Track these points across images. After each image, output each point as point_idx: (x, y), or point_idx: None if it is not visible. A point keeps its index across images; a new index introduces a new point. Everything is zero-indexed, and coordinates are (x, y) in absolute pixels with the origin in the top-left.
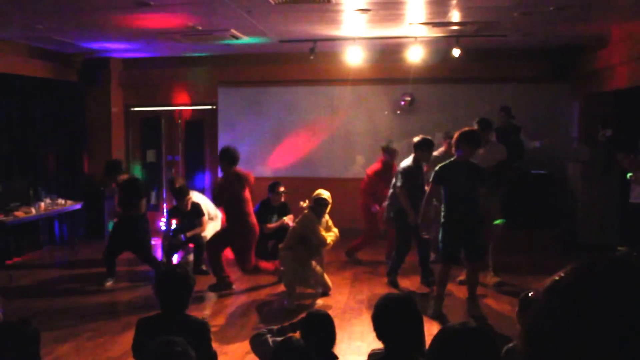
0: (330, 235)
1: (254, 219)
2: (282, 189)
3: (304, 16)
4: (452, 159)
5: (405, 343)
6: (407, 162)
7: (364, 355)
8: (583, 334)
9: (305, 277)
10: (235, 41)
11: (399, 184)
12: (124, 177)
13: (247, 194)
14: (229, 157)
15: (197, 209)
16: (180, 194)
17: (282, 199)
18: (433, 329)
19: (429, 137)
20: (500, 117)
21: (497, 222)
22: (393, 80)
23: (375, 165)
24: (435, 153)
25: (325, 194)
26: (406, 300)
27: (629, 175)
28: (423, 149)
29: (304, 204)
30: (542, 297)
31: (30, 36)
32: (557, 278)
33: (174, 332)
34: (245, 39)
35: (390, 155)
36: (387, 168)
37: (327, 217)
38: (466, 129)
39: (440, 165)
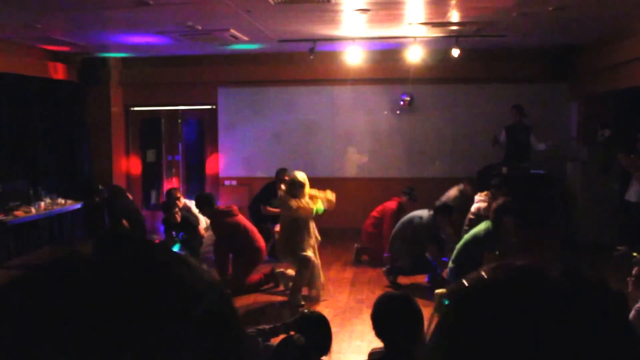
0: (317, 202)
1: (259, 241)
2: (288, 177)
3: (303, 16)
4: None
5: (405, 341)
6: (425, 216)
7: (364, 355)
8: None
9: (314, 278)
10: (236, 46)
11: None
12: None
13: (240, 219)
14: (206, 201)
15: (187, 221)
16: (165, 208)
17: None
18: None
19: (449, 204)
20: (511, 115)
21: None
22: (392, 80)
23: (391, 205)
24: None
25: (299, 175)
26: (404, 299)
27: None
28: (444, 214)
29: (283, 187)
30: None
31: (30, 36)
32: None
33: None
34: (246, 39)
35: (411, 201)
36: (401, 211)
37: (310, 192)
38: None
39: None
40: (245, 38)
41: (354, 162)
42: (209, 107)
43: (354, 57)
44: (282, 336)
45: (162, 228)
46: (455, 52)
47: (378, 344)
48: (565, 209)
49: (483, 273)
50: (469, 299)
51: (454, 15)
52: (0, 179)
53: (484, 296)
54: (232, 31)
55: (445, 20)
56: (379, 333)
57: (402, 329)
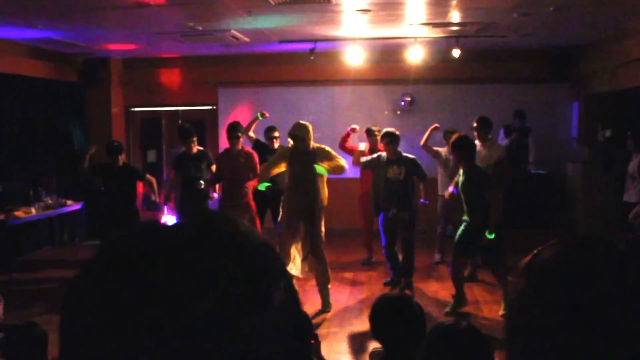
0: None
1: None
2: (276, 133)
3: (304, 16)
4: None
5: (403, 343)
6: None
7: (364, 355)
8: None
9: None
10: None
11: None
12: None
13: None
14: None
15: (205, 154)
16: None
17: (276, 145)
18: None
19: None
20: (514, 121)
21: (489, 236)
22: (393, 80)
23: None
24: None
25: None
26: (403, 300)
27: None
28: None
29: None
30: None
31: (30, 36)
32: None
33: None
34: (246, 40)
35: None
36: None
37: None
38: (455, 136)
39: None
40: (246, 39)
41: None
42: (209, 107)
43: (354, 58)
44: None
45: None
46: (456, 53)
47: (378, 344)
48: (566, 209)
49: (550, 248)
50: (545, 274)
51: (455, 16)
52: (0, 179)
53: (560, 271)
54: (233, 32)
55: (445, 20)
56: (377, 334)
57: (400, 330)
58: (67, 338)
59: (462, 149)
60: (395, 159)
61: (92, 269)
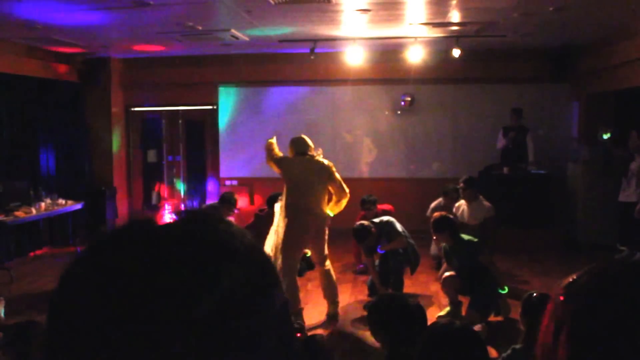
0: None
1: None
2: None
3: (304, 16)
4: None
5: (401, 342)
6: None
7: (365, 355)
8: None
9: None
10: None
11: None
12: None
13: None
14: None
15: None
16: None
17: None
18: None
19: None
20: (510, 119)
21: (502, 291)
22: (393, 80)
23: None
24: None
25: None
26: (399, 299)
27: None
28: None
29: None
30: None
31: (30, 36)
32: (575, 277)
33: None
34: (246, 40)
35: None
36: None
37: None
38: (435, 215)
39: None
40: (246, 38)
41: (355, 162)
42: (210, 107)
43: (354, 58)
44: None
45: None
46: (456, 52)
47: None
48: (566, 209)
49: (598, 272)
50: (593, 298)
51: (455, 16)
52: (0, 179)
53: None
54: (233, 31)
55: (445, 20)
56: (375, 334)
57: (397, 329)
58: (56, 340)
59: (444, 230)
60: (377, 243)
61: (84, 266)
